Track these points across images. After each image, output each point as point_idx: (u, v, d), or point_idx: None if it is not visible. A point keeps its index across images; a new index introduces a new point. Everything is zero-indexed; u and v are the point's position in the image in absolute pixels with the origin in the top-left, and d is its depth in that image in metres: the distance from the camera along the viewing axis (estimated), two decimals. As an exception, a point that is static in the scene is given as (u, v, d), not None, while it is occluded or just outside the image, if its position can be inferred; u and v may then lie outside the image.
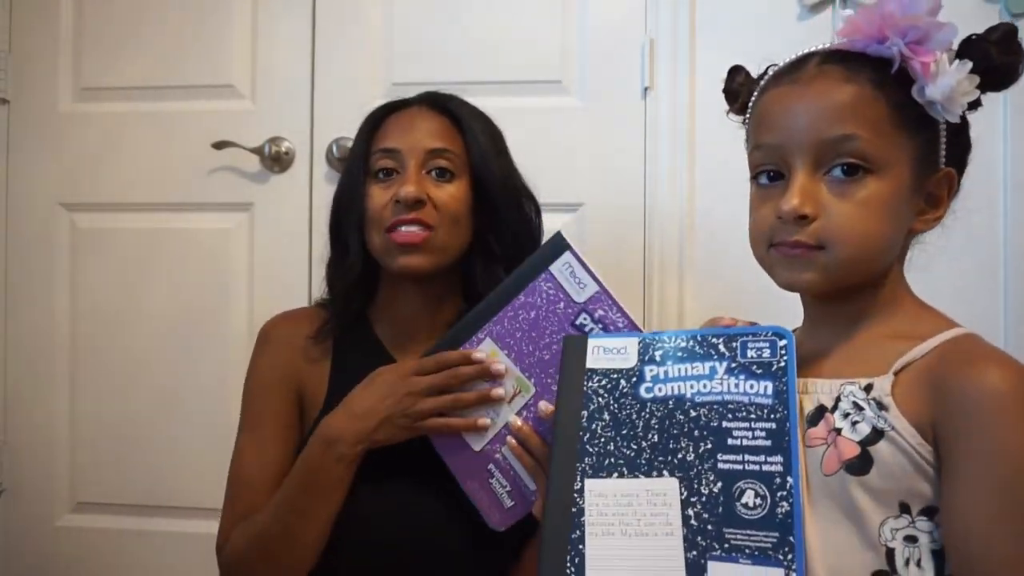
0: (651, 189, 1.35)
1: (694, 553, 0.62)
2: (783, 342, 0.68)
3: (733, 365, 0.68)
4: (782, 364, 0.67)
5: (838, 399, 0.67)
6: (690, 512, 0.64)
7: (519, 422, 0.82)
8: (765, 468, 0.64)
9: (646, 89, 1.36)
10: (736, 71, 0.81)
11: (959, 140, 0.70)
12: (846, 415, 0.65)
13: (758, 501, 0.63)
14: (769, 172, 0.72)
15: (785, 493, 0.62)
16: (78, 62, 1.48)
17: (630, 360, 0.72)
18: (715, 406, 0.67)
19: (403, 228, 0.91)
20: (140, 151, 1.45)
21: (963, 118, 0.69)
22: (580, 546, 0.64)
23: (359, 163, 0.96)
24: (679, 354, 0.71)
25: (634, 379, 0.71)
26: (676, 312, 1.33)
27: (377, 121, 0.98)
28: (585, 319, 0.82)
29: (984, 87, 0.67)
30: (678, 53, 1.34)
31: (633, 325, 0.81)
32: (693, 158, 1.33)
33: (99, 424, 1.46)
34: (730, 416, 0.66)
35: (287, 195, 1.42)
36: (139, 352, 1.44)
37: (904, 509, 0.63)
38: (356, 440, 0.84)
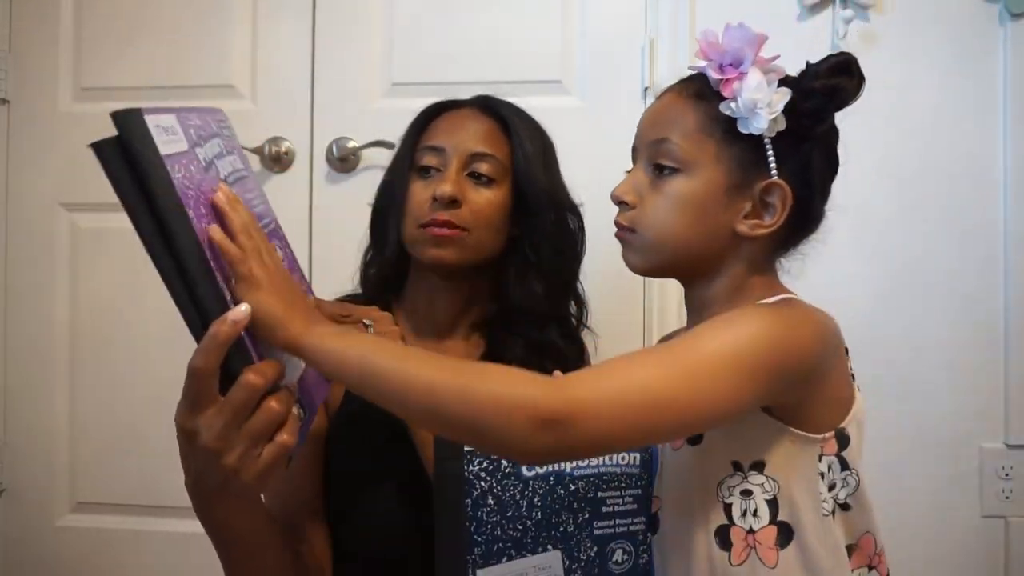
0: (651, 189, 1.35)
1: None
2: None
3: None
4: None
5: None
6: None
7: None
8: (632, 528, 0.73)
9: (646, 89, 1.36)
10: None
11: (797, 156, 0.75)
12: None
13: (625, 557, 0.72)
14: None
15: (645, 547, 0.73)
16: (78, 62, 1.48)
17: None
18: (591, 478, 0.73)
19: (435, 227, 0.91)
20: (140, 151, 1.44)
21: (808, 135, 0.74)
22: None
23: (405, 157, 0.97)
24: None
25: None
26: (676, 312, 1.33)
27: (428, 118, 0.99)
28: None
29: (829, 105, 0.74)
30: (678, 53, 1.34)
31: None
32: (693, 158, 1.33)
33: (99, 424, 1.46)
34: (604, 487, 0.73)
35: (287, 195, 1.41)
36: (139, 352, 1.44)
37: (736, 467, 0.71)
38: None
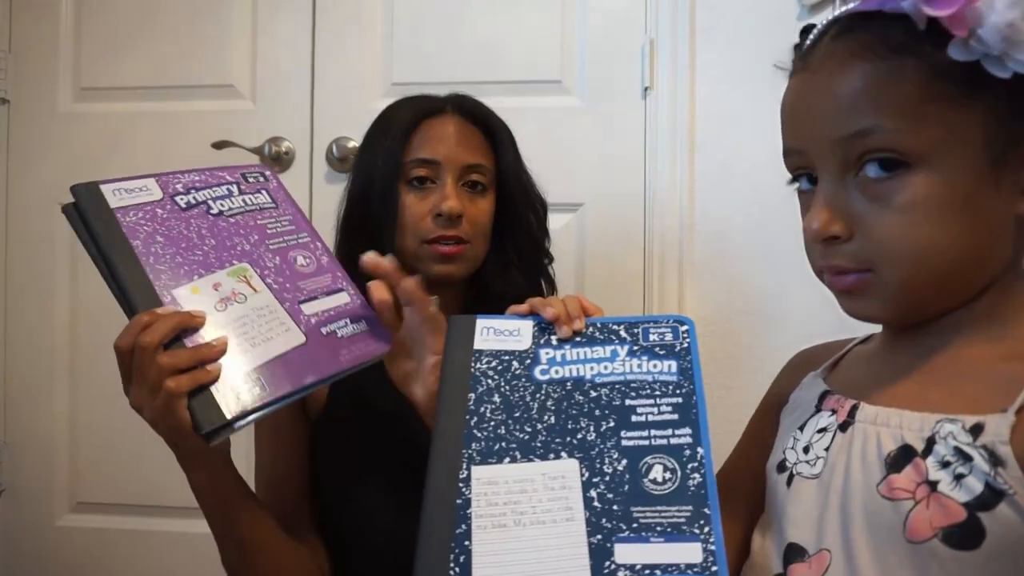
0: (651, 189, 1.35)
1: (599, 537, 0.56)
2: (684, 327, 0.67)
3: (635, 348, 0.66)
4: (685, 345, 0.66)
5: (931, 440, 0.51)
6: (592, 494, 0.58)
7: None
8: (673, 441, 0.60)
9: (646, 89, 1.36)
10: (806, 32, 0.62)
11: None
12: (945, 464, 0.50)
13: (667, 475, 0.58)
14: (808, 175, 0.58)
15: (696, 464, 0.58)
16: (78, 62, 1.48)
17: (524, 342, 0.67)
18: (617, 385, 0.64)
19: (443, 244, 0.92)
20: (140, 151, 1.45)
21: None
22: (466, 542, 0.55)
23: (391, 166, 0.94)
24: (578, 339, 0.67)
25: (528, 361, 0.66)
26: (676, 312, 1.33)
27: (410, 126, 0.96)
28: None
29: None
30: (678, 53, 1.34)
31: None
32: (693, 158, 1.33)
33: (99, 424, 1.46)
34: (633, 395, 0.63)
35: (287, 195, 1.41)
36: (139, 352, 1.44)
37: None
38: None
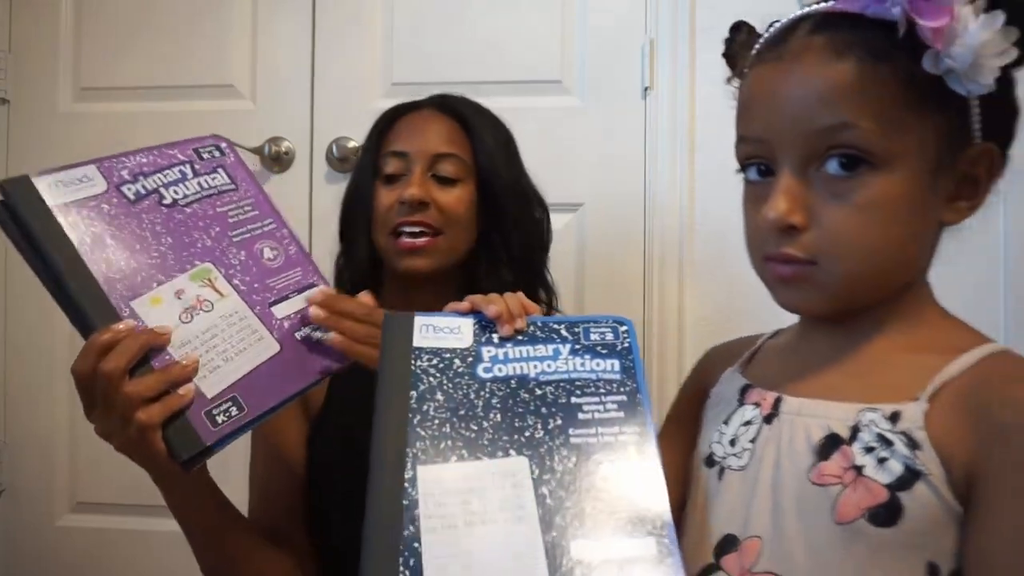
0: (651, 189, 1.35)
1: (553, 534, 0.55)
2: (624, 327, 0.67)
3: (577, 347, 0.66)
4: (625, 345, 0.66)
5: (856, 428, 0.55)
6: (544, 491, 0.57)
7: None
8: (621, 439, 0.60)
9: (646, 89, 1.36)
10: (738, 28, 0.66)
11: (1001, 105, 0.57)
12: (869, 449, 0.54)
13: (617, 472, 0.59)
14: (759, 166, 0.60)
15: (645, 461, 0.59)
16: (78, 62, 1.48)
17: (464, 340, 0.66)
18: (562, 384, 0.63)
19: (406, 229, 0.92)
20: (140, 151, 1.45)
21: (1004, 78, 0.55)
22: (415, 544, 0.54)
23: (369, 163, 0.97)
24: (520, 337, 0.67)
25: (470, 359, 0.65)
26: (676, 312, 1.33)
27: (388, 122, 0.99)
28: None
29: None
30: (678, 53, 1.34)
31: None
32: (693, 158, 1.33)
33: (99, 424, 1.46)
34: (578, 392, 0.63)
35: (287, 195, 1.41)
36: (139, 352, 1.44)
37: (932, 571, 0.52)
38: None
